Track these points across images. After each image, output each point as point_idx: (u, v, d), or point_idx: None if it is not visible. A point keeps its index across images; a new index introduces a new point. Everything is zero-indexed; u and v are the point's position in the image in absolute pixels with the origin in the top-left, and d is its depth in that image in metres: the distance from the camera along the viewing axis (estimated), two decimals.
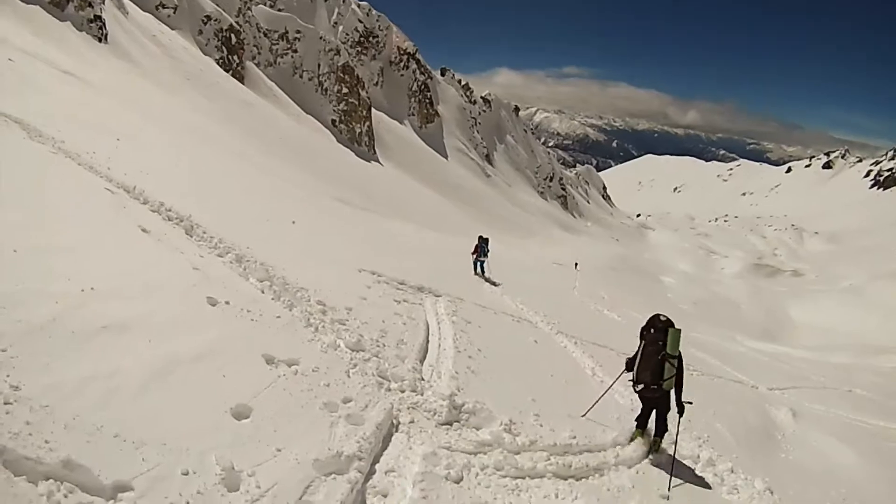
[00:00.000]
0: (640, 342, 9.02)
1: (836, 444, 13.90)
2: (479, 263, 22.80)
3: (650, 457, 8.64)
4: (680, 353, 8.67)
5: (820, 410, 17.78)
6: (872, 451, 13.90)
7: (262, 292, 8.76)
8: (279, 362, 6.47)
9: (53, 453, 3.72)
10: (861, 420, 17.50)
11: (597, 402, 10.08)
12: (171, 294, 6.91)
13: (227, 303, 7.37)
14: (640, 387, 8.71)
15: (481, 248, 23.08)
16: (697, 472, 9.05)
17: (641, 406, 9.26)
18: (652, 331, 8.89)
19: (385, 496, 5.24)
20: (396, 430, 6.54)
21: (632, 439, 8.93)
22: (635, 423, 9.28)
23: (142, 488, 3.89)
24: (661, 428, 8.89)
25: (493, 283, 21.71)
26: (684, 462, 9.29)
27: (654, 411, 9.02)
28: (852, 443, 14.20)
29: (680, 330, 8.85)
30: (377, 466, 5.62)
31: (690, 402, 8.81)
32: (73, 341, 4.98)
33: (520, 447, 7.21)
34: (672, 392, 8.64)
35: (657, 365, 8.56)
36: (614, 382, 11.06)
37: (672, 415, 8.87)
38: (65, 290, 5.65)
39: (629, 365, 9.13)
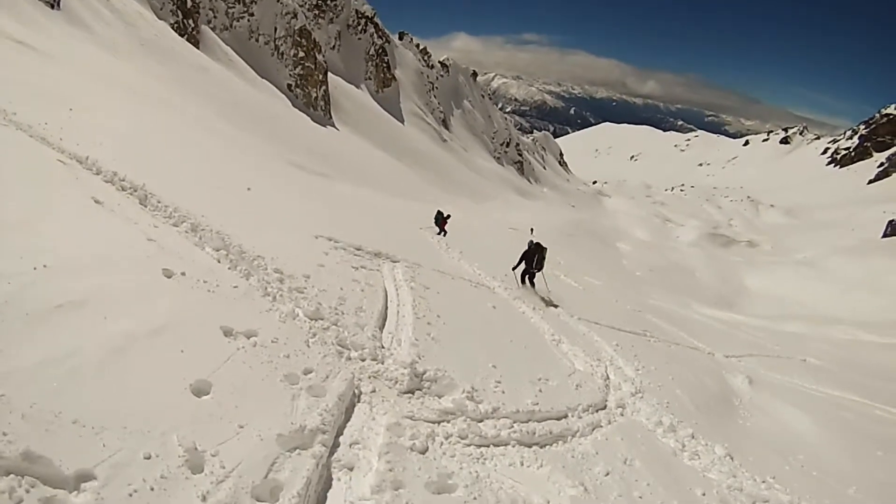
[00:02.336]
0: (527, 252, 18.67)
1: (794, 411, 14.18)
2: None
3: (534, 289, 18.70)
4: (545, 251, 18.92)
5: (776, 378, 18.07)
6: (828, 420, 14.18)
7: (219, 262, 8.62)
8: (237, 334, 6.37)
9: (12, 446, 3.59)
10: (816, 389, 17.79)
11: (516, 277, 19.13)
12: (126, 267, 6.73)
13: (182, 274, 7.22)
14: (531, 272, 18.80)
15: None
16: (659, 437, 9.17)
17: (525, 277, 18.91)
18: (536, 247, 18.78)
19: (351, 469, 5.24)
20: (359, 401, 6.53)
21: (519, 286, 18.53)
22: (522, 282, 18.87)
23: (104, 476, 3.80)
24: (533, 282, 18.95)
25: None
26: (647, 427, 9.41)
27: (529, 276, 18.91)
28: (809, 411, 14.48)
29: (547, 248, 19.23)
30: (341, 439, 5.60)
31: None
32: (28, 323, 4.81)
33: (483, 415, 7.29)
34: (542, 272, 18.91)
35: (539, 262, 18.58)
36: (518, 265, 18.99)
37: (539, 277, 18.96)
38: (17, 269, 5.45)
39: (521, 262, 18.80)
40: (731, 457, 9.26)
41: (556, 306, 17.71)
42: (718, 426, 11.36)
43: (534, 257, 18.41)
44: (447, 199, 63.35)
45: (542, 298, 18.00)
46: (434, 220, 29.23)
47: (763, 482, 8.73)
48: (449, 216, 29.28)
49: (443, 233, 28.42)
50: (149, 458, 4.08)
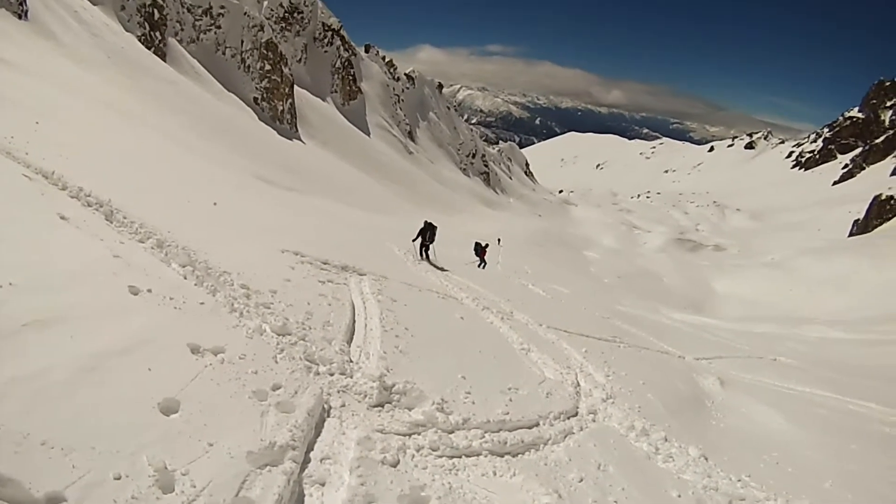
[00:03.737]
0: (422, 230, 23.30)
1: (766, 410, 14.32)
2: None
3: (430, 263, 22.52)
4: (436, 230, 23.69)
5: (747, 378, 18.24)
6: (801, 417, 14.34)
7: (185, 278, 8.55)
8: (205, 351, 6.32)
9: None
10: (788, 387, 17.97)
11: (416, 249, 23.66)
12: (93, 285, 6.67)
13: (149, 291, 7.16)
14: (426, 244, 23.22)
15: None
16: (632, 441, 9.23)
17: (422, 249, 23.32)
18: (428, 225, 23.20)
19: (322, 485, 5.21)
20: (328, 416, 6.49)
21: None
22: (420, 254, 23.24)
23: (75, 498, 3.76)
24: (428, 255, 23.13)
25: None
26: (619, 432, 9.48)
27: (425, 248, 23.20)
28: (781, 409, 14.64)
29: (437, 226, 23.96)
30: (312, 454, 5.57)
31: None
32: None
33: (454, 426, 7.28)
34: (433, 245, 23.46)
35: (431, 237, 23.18)
36: (416, 239, 23.79)
37: (433, 247, 23.39)
38: None
39: (418, 237, 23.41)
40: (705, 457, 9.34)
41: (445, 270, 22.12)
42: (691, 428, 11.46)
43: (426, 234, 23.48)
44: (414, 211, 63.43)
45: (435, 265, 22.74)
46: (474, 251, 32.78)
47: (739, 481, 8.81)
48: (487, 245, 31.28)
49: (483, 264, 29.68)
50: (119, 478, 4.04)
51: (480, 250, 32.70)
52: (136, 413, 4.81)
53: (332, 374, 7.50)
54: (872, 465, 11.73)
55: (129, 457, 4.26)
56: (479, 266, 31.10)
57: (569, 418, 9.29)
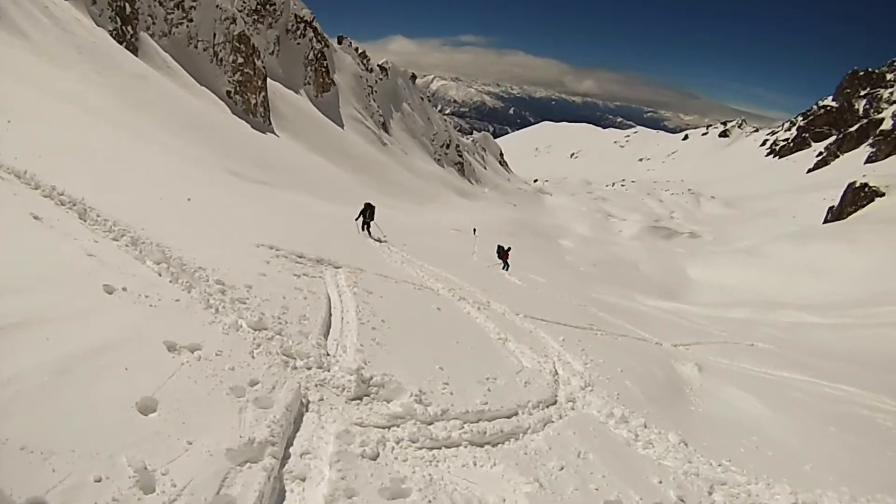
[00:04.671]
0: (363, 210, 27.22)
1: (744, 395, 14.51)
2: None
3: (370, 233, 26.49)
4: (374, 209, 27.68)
5: (724, 364, 18.45)
6: (778, 401, 14.53)
7: (160, 275, 8.50)
8: (181, 349, 6.30)
9: None
10: (765, 371, 18.18)
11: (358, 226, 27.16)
12: (67, 285, 6.64)
13: (124, 289, 7.12)
14: (367, 222, 27.02)
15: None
16: (612, 429, 9.31)
17: (364, 226, 27.01)
18: (367, 205, 27.25)
19: (303, 480, 5.23)
20: (307, 410, 6.50)
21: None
22: (361, 229, 26.86)
23: (57, 502, 3.75)
24: (370, 231, 26.77)
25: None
26: (598, 419, 9.55)
27: (367, 226, 26.94)
28: (759, 393, 14.83)
29: (375, 206, 27.87)
30: (291, 450, 5.58)
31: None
32: None
33: (432, 417, 7.34)
34: (374, 222, 27.28)
35: (371, 215, 27.14)
36: (358, 218, 27.45)
37: (373, 225, 27.31)
38: None
39: (360, 216, 27.23)
40: (685, 443, 9.45)
41: (382, 241, 25.67)
42: (670, 414, 11.58)
43: (367, 212, 27.31)
44: (389, 202, 63.30)
45: (377, 239, 26.07)
46: (497, 254, 33.44)
47: (719, 465, 8.93)
48: (510, 248, 31.48)
49: (506, 266, 29.87)
50: (99, 480, 4.03)
51: (503, 253, 32.92)
52: (114, 414, 4.80)
53: (309, 369, 7.50)
54: (850, 447, 11.92)
55: (108, 458, 4.25)
56: (502, 268, 31.33)
57: (547, 407, 9.37)
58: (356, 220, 27.60)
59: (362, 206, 27.71)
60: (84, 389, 4.90)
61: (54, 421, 4.41)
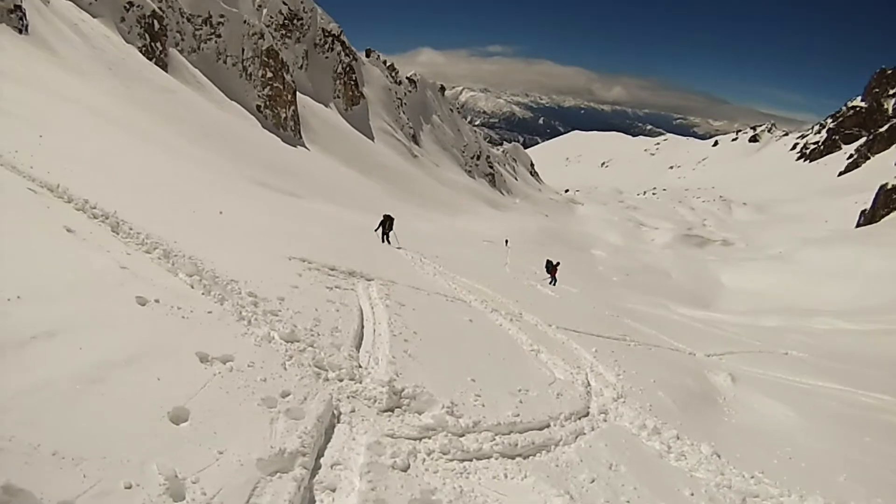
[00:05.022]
0: (382, 222, 28.59)
1: (778, 405, 14.36)
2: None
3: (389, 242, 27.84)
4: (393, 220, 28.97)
5: (758, 373, 18.29)
6: (812, 410, 14.37)
7: (192, 287, 8.53)
8: (213, 360, 6.29)
9: None
10: (798, 381, 18.02)
11: (378, 236, 28.54)
12: (99, 296, 6.66)
13: (156, 301, 7.13)
14: (386, 233, 28.32)
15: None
16: (644, 440, 9.22)
17: (384, 236, 28.25)
18: (387, 217, 28.61)
19: (333, 491, 5.19)
20: (338, 421, 6.48)
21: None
22: (382, 240, 27.99)
23: None
24: (389, 240, 28.05)
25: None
26: (630, 431, 9.46)
27: (385, 235, 28.27)
28: (792, 403, 14.67)
29: (394, 218, 29.21)
30: (322, 461, 5.55)
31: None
32: (2, 355, 4.69)
33: (464, 429, 7.28)
34: (393, 232, 28.62)
35: (390, 226, 28.46)
36: (377, 229, 28.79)
37: (392, 235, 28.60)
38: None
39: (380, 227, 28.73)
40: (717, 455, 9.34)
41: (401, 248, 26.84)
42: (703, 425, 11.47)
43: (386, 224, 28.67)
44: (419, 213, 63.48)
45: (397, 247, 27.12)
46: (545, 268, 34.02)
47: (752, 477, 8.81)
48: (558, 263, 31.89)
49: (553, 281, 30.14)
50: (129, 487, 4.01)
51: (552, 268, 33.06)
52: (145, 422, 4.79)
53: (341, 380, 7.50)
54: (886, 457, 11.74)
55: (139, 465, 4.24)
56: (549, 283, 31.46)
57: (579, 419, 9.31)
58: (375, 230, 29.11)
59: (381, 218, 29.23)
60: (116, 397, 4.89)
61: (86, 428, 4.39)
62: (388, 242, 28.11)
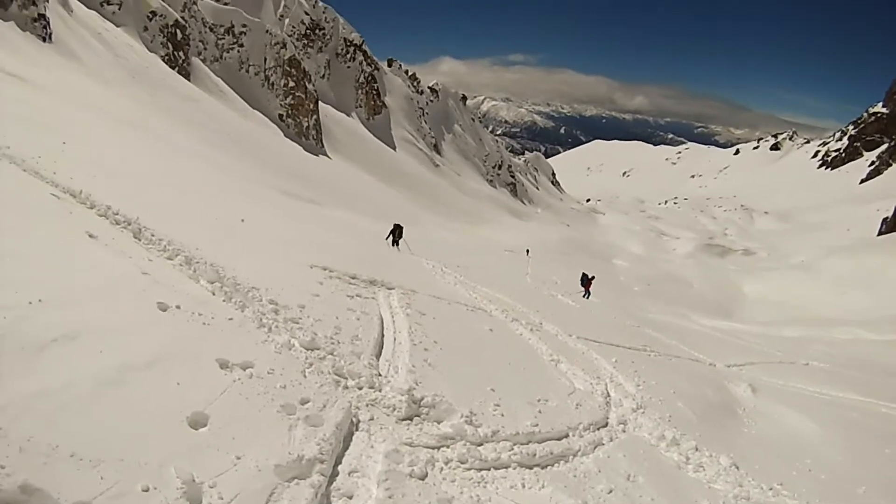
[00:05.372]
0: (392, 230, 28.68)
1: (798, 416, 14.25)
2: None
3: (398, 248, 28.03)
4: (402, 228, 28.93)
5: (779, 384, 18.17)
6: (833, 421, 14.26)
7: (213, 294, 8.58)
8: (233, 366, 6.32)
9: (10, 479, 3.53)
10: (819, 391, 17.89)
11: (388, 243, 28.28)
12: (121, 301, 6.70)
13: (177, 307, 7.17)
14: (396, 240, 28.27)
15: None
16: (663, 451, 9.17)
17: (394, 243, 28.18)
18: (396, 226, 28.67)
19: (350, 498, 5.20)
20: (357, 429, 6.49)
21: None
22: (392, 244, 28.26)
23: None
24: (398, 246, 28.19)
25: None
26: (649, 442, 9.42)
27: (395, 242, 28.22)
28: (813, 414, 14.58)
29: (403, 226, 29.35)
30: (340, 468, 5.56)
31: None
32: (23, 356, 4.74)
33: (482, 438, 7.26)
34: (403, 239, 28.62)
35: (399, 234, 28.55)
36: (388, 237, 28.67)
37: (402, 242, 28.60)
38: (12, 302, 5.36)
39: (390, 235, 28.69)
40: (736, 466, 9.30)
41: (413, 254, 27.24)
42: (722, 436, 11.41)
43: (395, 232, 28.82)
44: (441, 223, 63.55)
45: (406, 251, 27.82)
46: (580, 282, 34.13)
47: (770, 489, 8.79)
48: (593, 277, 32.18)
49: (587, 294, 30.30)
50: (147, 490, 4.03)
51: (586, 282, 33.12)
52: (164, 426, 4.82)
53: (360, 388, 7.52)
54: None
55: (156, 469, 4.26)
56: (583, 296, 31.57)
57: (598, 429, 9.30)
58: (386, 238, 29.20)
59: (391, 227, 29.54)
60: (135, 401, 4.92)
61: (104, 430, 4.41)
62: (398, 247, 28.78)
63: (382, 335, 10.49)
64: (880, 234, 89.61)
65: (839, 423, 14.32)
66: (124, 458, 4.20)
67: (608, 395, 11.36)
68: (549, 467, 7.29)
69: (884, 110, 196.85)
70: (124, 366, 5.26)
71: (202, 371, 5.96)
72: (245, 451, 4.93)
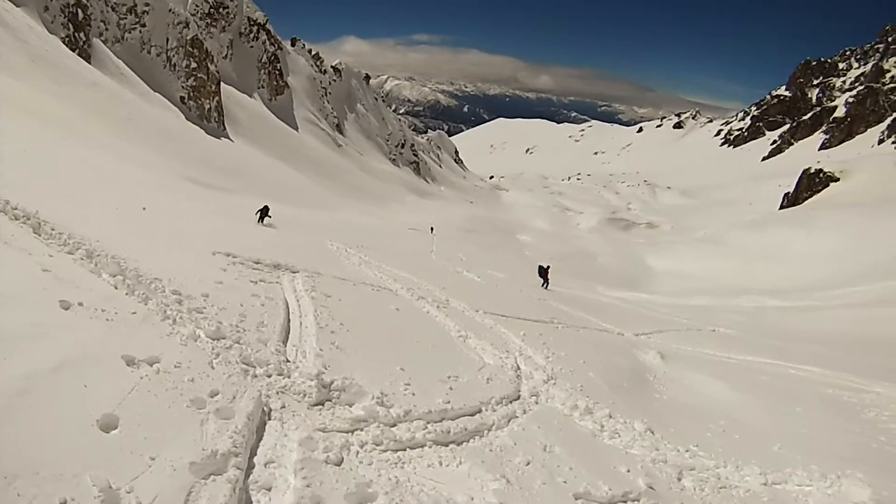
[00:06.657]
0: (261, 210, 27.70)
1: (709, 380, 14.79)
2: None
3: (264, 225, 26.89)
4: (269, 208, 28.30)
5: (687, 350, 18.75)
6: (744, 384, 14.79)
7: (116, 288, 8.45)
8: (140, 362, 6.22)
9: None
10: (728, 356, 18.49)
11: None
12: (23, 303, 6.55)
13: (80, 304, 7.05)
14: (262, 217, 27.17)
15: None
16: (577, 421, 9.42)
17: (261, 220, 26.69)
18: (265, 207, 27.39)
19: (269, 490, 5.22)
20: (269, 418, 6.51)
21: None
22: (258, 223, 26.30)
23: None
24: (264, 222, 26.28)
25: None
26: (563, 412, 9.66)
27: (262, 220, 26.49)
28: (724, 377, 15.12)
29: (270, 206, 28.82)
30: (255, 460, 5.57)
31: None
32: None
33: (395, 419, 7.40)
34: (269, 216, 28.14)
35: (266, 212, 26.46)
36: (257, 214, 28.21)
37: (269, 218, 27.57)
38: None
39: (258, 213, 28.12)
40: (651, 431, 9.64)
41: (274, 227, 26.44)
42: (635, 403, 11.76)
43: (263, 210, 27.95)
44: (345, 204, 63.16)
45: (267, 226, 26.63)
46: (538, 273, 33.56)
47: (687, 451, 9.15)
48: (549, 267, 33.67)
49: (545, 283, 30.27)
50: (65, 502, 3.97)
51: (543, 272, 33.13)
52: (75, 433, 4.74)
53: (269, 376, 7.51)
54: (818, 425, 12.16)
55: (73, 479, 4.19)
56: (542, 286, 31.60)
57: (511, 402, 9.52)
58: (255, 214, 28.81)
59: (261, 206, 29.28)
60: (44, 409, 4.82)
61: (16, 443, 4.33)
62: (263, 223, 28.57)
63: (288, 320, 10.51)
64: (781, 208, 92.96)
65: (750, 385, 14.81)
66: (39, 472, 4.13)
67: (518, 369, 11.61)
68: (464, 443, 7.45)
69: (787, 93, 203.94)
70: (30, 373, 5.14)
71: (109, 370, 5.86)
72: (158, 450, 4.90)
